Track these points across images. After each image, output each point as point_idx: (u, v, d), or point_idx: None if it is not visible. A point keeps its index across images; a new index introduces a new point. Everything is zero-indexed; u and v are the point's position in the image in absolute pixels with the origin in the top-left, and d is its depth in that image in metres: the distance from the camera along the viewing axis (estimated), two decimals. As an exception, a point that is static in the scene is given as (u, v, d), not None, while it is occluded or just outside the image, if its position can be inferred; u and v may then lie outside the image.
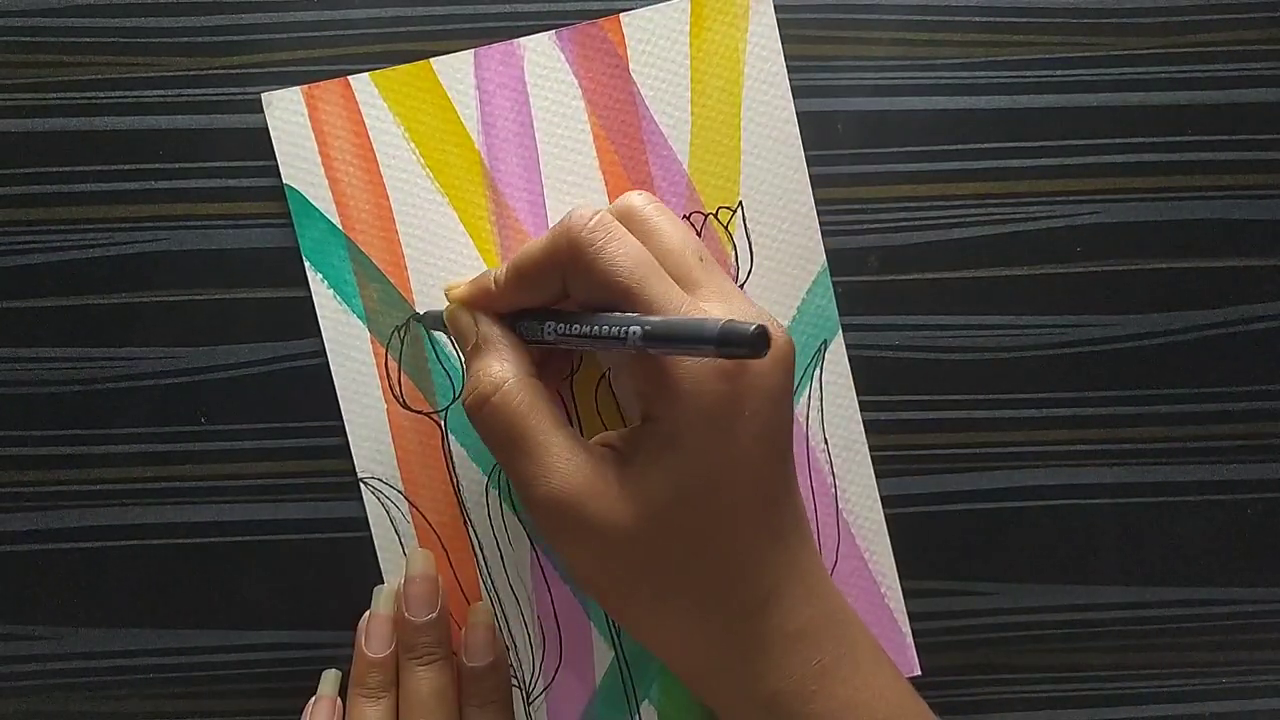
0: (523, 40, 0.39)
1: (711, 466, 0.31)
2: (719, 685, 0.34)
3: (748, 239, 0.39)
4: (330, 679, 0.39)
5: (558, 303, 0.33)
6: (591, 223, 0.32)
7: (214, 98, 0.39)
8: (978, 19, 0.39)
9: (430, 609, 0.37)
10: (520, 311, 0.34)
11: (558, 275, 0.32)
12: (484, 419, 0.33)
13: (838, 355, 0.39)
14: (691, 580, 0.32)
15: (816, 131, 0.39)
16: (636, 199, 0.35)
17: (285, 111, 0.39)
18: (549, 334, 0.33)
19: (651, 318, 0.30)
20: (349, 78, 0.38)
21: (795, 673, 0.32)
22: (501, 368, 0.33)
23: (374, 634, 0.37)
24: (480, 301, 0.34)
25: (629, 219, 0.34)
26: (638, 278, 0.31)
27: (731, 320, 0.28)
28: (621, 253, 0.31)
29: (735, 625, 0.32)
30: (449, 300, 0.35)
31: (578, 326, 0.32)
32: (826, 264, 0.39)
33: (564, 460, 0.32)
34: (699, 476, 0.31)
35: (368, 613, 0.38)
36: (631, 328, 0.30)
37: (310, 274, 0.39)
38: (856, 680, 0.33)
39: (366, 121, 0.39)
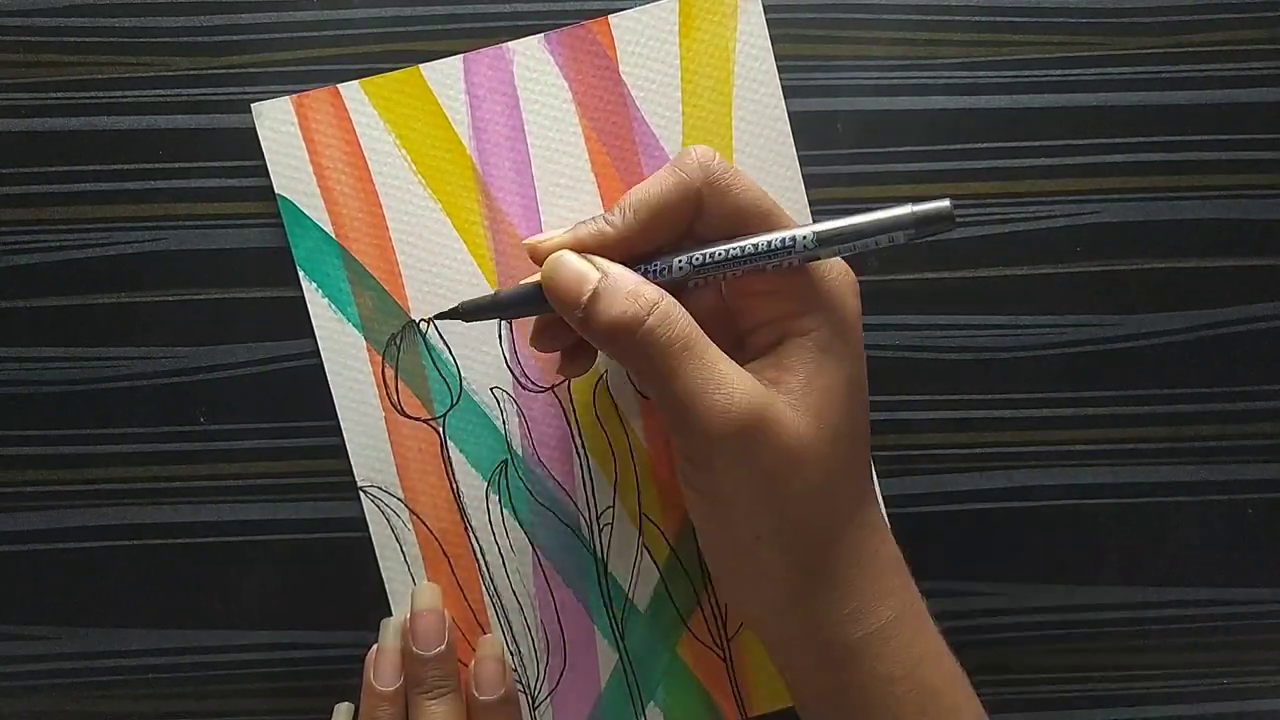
0: (511, 44, 0.39)
1: (854, 372, 0.33)
2: (833, 617, 0.33)
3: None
4: (343, 711, 0.39)
5: (674, 244, 0.33)
6: (716, 157, 0.32)
7: (213, 98, 0.39)
8: (978, 19, 0.39)
9: (438, 642, 0.37)
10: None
11: (688, 209, 0.32)
12: (650, 329, 0.31)
13: (837, 354, 0.39)
14: (847, 489, 0.33)
15: (816, 131, 0.39)
16: (709, 150, 0.33)
17: (275, 121, 0.38)
18: (679, 270, 0.32)
19: (825, 223, 0.31)
20: (339, 85, 0.38)
21: (910, 597, 0.34)
22: (650, 288, 0.31)
23: (382, 668, 0.37)
24: (592, 249, 0.33)
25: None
26: (770, 201, 0.32)
27: (917, 201, 0.30)
28: (749, 180, 0.32)
29: (867, 542, 0.33)
30: (539, 252, 0.33)
31: (724, 251, 0.31)
32: (821, 262, 0.39)
33: (737, 371, 0.31)
34: (850, 382, 0.32)
35: (374, 647, 0.38)
36: (802, 234, 0.31)
37: (305, 283, 0.39)
38: (931, 630, 0.34)
39: (357, 129, 0.39)
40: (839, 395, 0.32)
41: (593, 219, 0.33)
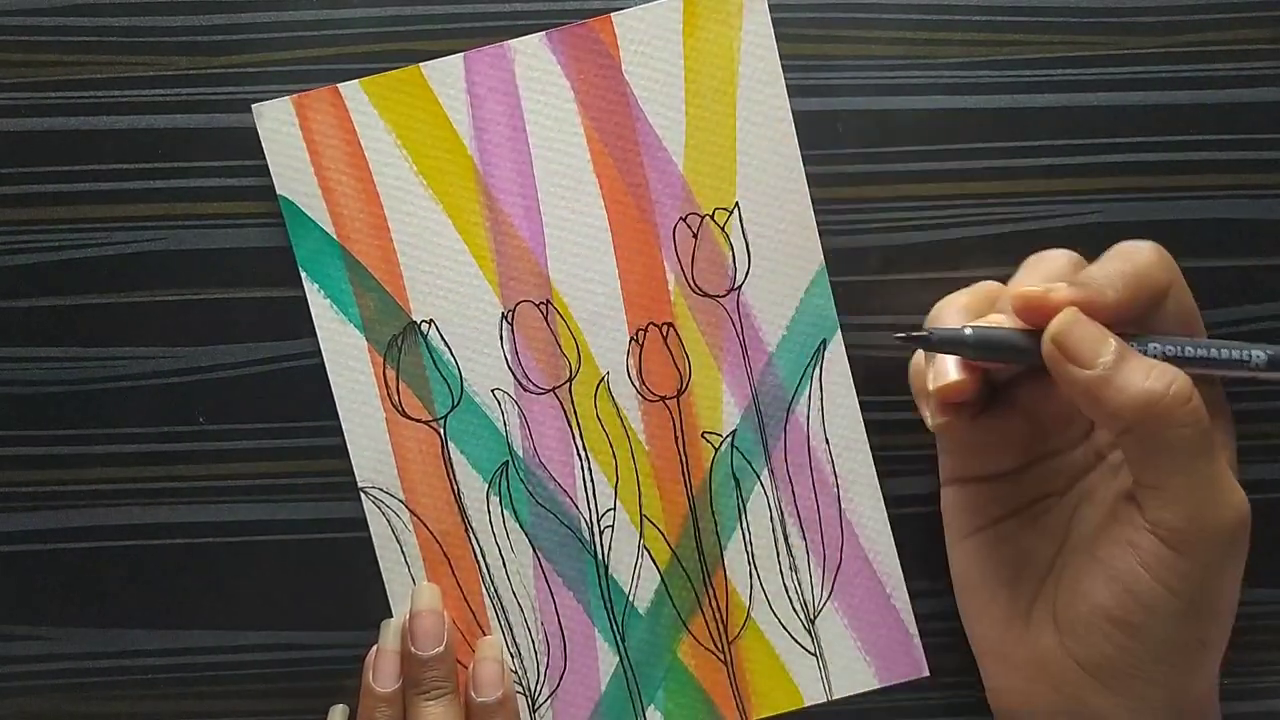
0: (513, 42, 0.39)
1: None
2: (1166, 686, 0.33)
3: (745, 240, 0.39)
4: (338, 713, 0.39)
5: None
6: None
7: (213, 97, 0.39)
8: (978, 19, 0.39)
9: (437, 643, 0.37)
10: None
11: (1158, 298, 0.32)
12: (1195, 409, 0.30)
13: (837, 355, 0.39)
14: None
15: (816, 131, 0.39)
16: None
17: (276, 121, 0.38)
18: (1152, 354, 0.31)
19: (1272, 346, 0.31)
20: (339, 85, 0.38)
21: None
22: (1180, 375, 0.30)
23: (381, 669, 0.37)
24: (1090, 313, 0.31)
25: None
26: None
27: None
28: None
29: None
30: (1049, 304, 0.31)
31: (1191, 350, 0.31)
32: (824, 264, 0.39)
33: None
34: None
35: (374, 648, 0.38)
36: (1255, 353, 0.31)
37: (306, 284, 0.39)
38: None
39: (358, 129, 0.38)
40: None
41: (1077, 283, 0.31)
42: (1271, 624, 0.40)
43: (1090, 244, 0.39)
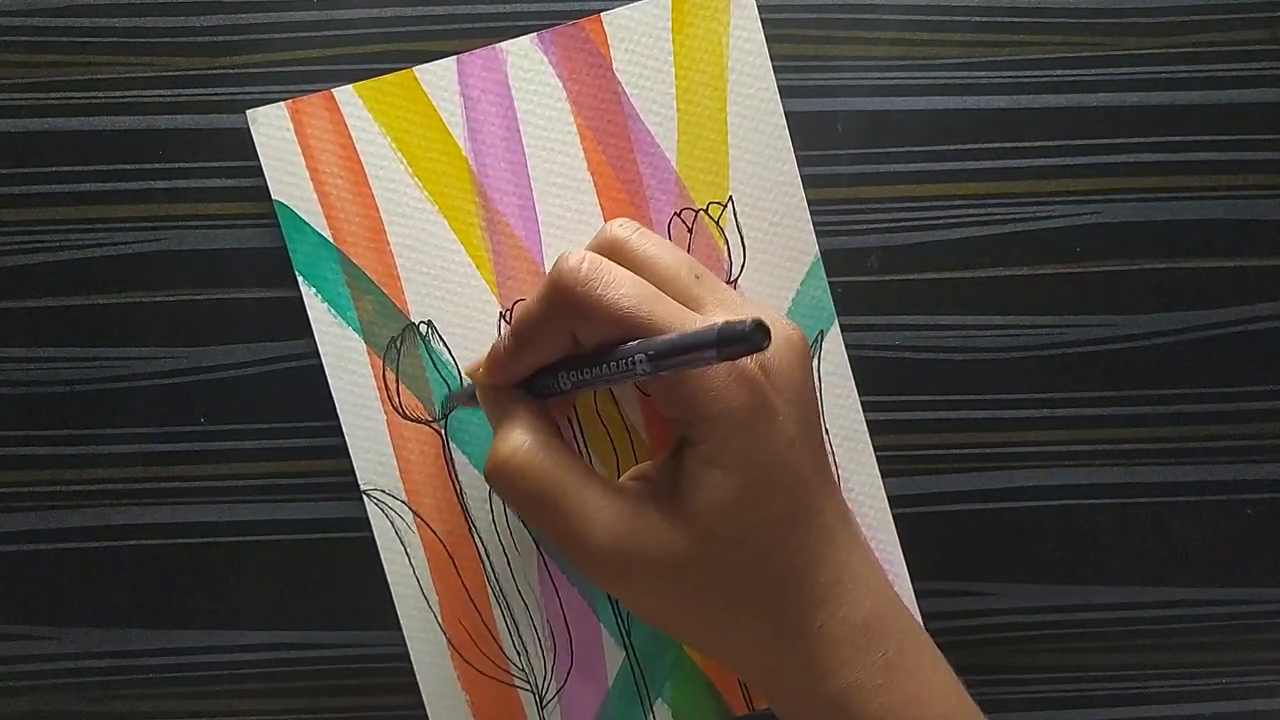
0: (504, 44, 0.39)
1: (755, 477, 0.31)
2: (787, 688, 0.34)
3: (739, 233, 0.39)
4: None
5: (572, 352, 0.33)
6: (583, 270, 0.31)
7: (214, 98, 0.39)
8: (978, 19, 0.39)
9: None
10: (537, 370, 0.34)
11: (562, 327, 0.32)
12: (505, 482, 0.32)
13: (835, 345, 0.39)
14: (752, 592, 0.32)
15: (816, 131, 0.39)
16: (619, 230, 0.34)
17: (271, 127, 0.38)
18: (565, 384, 0.32)
19: (653, 340, 0.30)
20: (333, 90, 0.38)
21: (861, 667, 0.32)
22: (519, 432, 0.32)
23: None
24: (496, 374, 0.34)
25: (616, 252, 0.33)
26: (646, 310, 0.31)
27: (728, 321, 0.27)
28: (621, 291, 0.31)
29: (799, 626, 0.32)
30: (474, 378, 0.35)
31: (589, 371, 0.31)
32: (819, 255, 0.39)
33: (601, 509, 0.32)
34: (744, 489, 0.31)
35: None
36: (636, 355, 0.30)
37: (304, 288, 0.39)
38: (920, 676, 0.33)
39: (352, 133, 0.39)
40: (725, 507, 0.31)
41: (497, 342, 0.34)
42: (1269, 624, 0.40)
43: (1090, 244, 0.39)
